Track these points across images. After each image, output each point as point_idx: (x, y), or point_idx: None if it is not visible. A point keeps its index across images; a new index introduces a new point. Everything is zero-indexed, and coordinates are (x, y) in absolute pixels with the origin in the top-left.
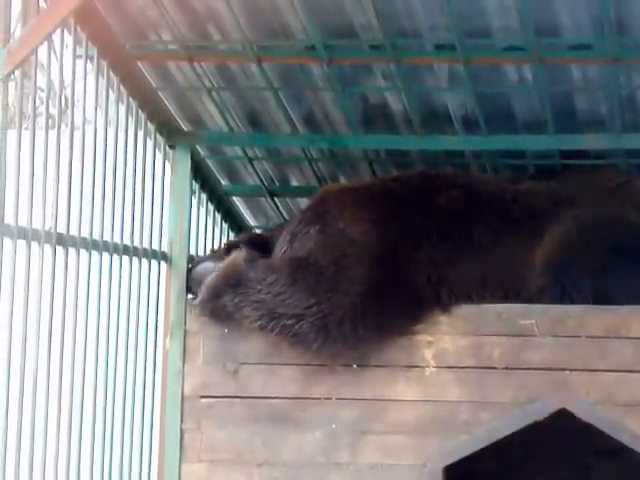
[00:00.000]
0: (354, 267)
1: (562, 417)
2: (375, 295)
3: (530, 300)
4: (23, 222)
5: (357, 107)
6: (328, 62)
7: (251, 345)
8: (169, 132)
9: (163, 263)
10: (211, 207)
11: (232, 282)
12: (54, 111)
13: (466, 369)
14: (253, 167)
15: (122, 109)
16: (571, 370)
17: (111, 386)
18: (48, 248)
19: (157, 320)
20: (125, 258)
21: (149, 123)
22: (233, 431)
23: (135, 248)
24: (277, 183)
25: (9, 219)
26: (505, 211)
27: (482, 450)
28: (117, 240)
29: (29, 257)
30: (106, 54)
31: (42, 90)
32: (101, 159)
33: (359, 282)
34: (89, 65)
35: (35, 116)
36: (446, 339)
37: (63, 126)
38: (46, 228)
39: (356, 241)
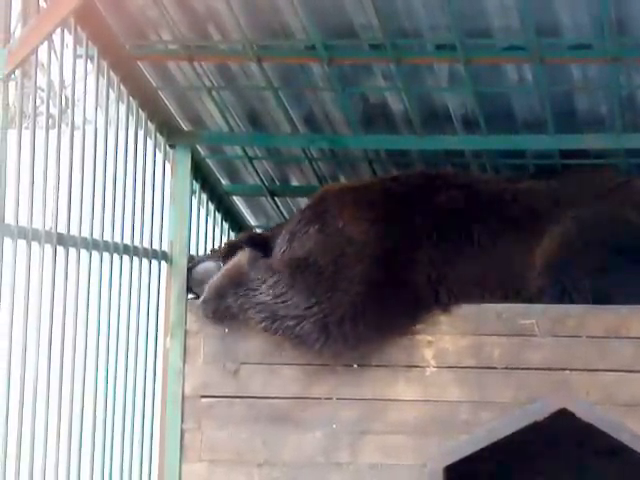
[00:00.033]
0: (353, 266)
1: (562, 417)
2: (375, 295)
3: (530, 300)
4: (24, 222)
5: (357, 107)
6: (328, 62)
7: (251, 345)
8: (169, 132)
9: (163, 263)
10: (211, 207)
11: (236, 283)
12: (54, 111)
13: (466, 369)
14: (253, 167)
15: (122, 109)
16: (571, 370)
17: (111, 386)
18: (49, 248)
19: (157, 320)
20: (125, 258)
21: (149, 123)
22: (233, 431)
23: (135, 248)
24: (277, 183)
25: (9, 219)
26: (505, 211)
27: (482, 450)
28: (117, 240)
29: (30, 257)
30: (106, 54)
31: (42, 90)
32: (101, 159)
33: (358, 282)
34: (89, 65)
35: (35, 116)
36: (446, 339)
37: (63, 126)
38: (47, 228)
39: (355, 240)
